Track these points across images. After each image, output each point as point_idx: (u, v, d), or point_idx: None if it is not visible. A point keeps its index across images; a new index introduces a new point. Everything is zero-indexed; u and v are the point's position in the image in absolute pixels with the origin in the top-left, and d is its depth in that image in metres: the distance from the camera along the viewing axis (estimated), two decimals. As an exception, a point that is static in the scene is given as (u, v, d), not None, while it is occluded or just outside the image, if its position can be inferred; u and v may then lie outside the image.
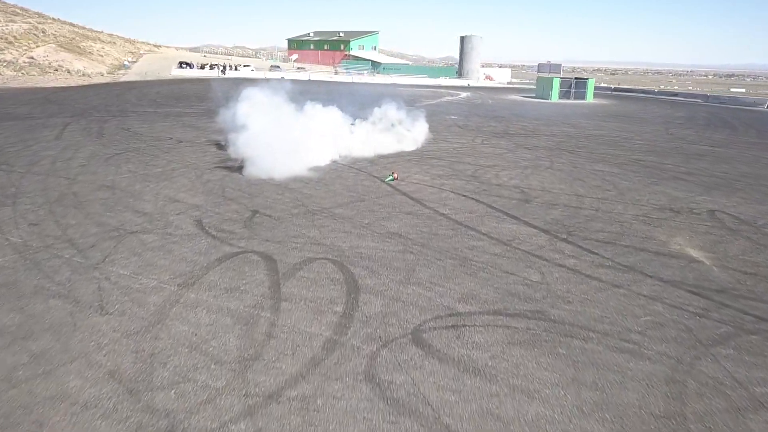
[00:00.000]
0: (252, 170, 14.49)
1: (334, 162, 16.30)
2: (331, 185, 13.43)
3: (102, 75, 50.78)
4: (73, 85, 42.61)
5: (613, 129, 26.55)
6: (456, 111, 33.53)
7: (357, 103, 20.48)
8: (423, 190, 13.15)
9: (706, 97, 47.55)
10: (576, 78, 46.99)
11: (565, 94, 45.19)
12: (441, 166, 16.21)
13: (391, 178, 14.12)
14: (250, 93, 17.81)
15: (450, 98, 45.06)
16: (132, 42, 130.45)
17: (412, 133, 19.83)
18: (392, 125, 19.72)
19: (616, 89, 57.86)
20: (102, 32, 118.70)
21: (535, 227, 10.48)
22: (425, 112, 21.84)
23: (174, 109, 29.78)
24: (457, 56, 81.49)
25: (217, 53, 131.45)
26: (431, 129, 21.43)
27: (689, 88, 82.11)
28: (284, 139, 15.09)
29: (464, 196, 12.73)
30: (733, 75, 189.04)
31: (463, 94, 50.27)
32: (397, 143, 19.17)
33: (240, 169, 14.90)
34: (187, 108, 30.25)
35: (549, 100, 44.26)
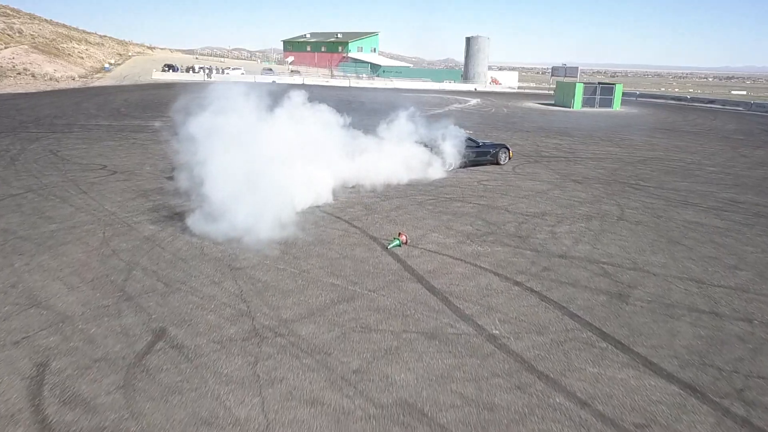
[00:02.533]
0: (196, 224, 9.77)
1: (318, 208, 11.48)
2: (304, 260, 8.59)
3: (73, 79, 46.05)
4: (32, 91, 37.78)
5: (668, 148, 21.71)
6: (469, 123, 28.68)
7: (357, 114, 15.58)
8: (449, 269, 8.30)
9: (748, 105, 42.66)
10: (601, 83, 42.05)
11: (588, 102, 40.29)
12: (467, 214, 11.36)
13: (397, 242, 9.28)
14: (217, 100, 12.68)
15: (459, 106, 40.23)
16: (124, 43, 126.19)
17: (445, 155, 15.53)
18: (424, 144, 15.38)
19: (641, 95, 52.95)
20: (94, 33, 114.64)
21: (669, 377, 5.63)
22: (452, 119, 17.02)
23: (134, 121, 24.97)
24: (457, 58, 76.89)
25: (211, 56, 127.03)
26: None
27: (690, 90, 78.14)
28: (253, 173, 10.45)
29: (517, 283, 7.87)
30: (733, 77, 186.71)
31: (473, 101, 45.47)
32: (414, 169, 14.68)
33: (181, 219, 10.21)
34: (150, 120, 25.40)
35: (571, 109, 39.38)
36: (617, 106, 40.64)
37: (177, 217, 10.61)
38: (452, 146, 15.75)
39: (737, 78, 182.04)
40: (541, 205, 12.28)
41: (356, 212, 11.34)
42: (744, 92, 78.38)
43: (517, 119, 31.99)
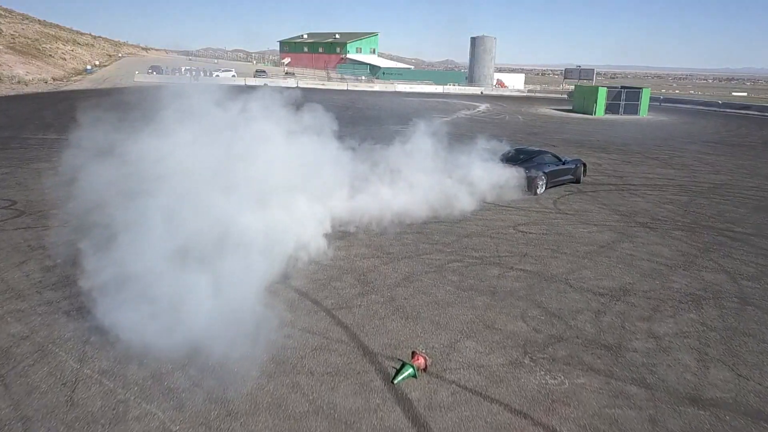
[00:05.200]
0: (92, 320, 6.14)
1: (287, 283, 7.67)
2: (243, 419, 4.78)
3: (45, 82, 42.28)
4: (-9, 95, 34.00)
5: (732, 169, 17.91)
6: (488, 135, 24.85)
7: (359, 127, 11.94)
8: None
9: (789, 112, 38.89)
10: (625, 87, 38.19)
11: (612, 108, 36.42)
12: (513, 293, 7.54)
13: (410, 371, 5.46)
14: (174, 109, 9.12)
15: (468, 112, 36.45)
16: (117, 44, 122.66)
17: (537, 176, 13.32)
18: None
19: (665, 100, 49.01)
20: (87, 34, 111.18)
21: None
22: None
23: (91, 133, 21.11)
24: (457, 60, 73.39)
25: (207, 57, 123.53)
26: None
27: (690, 91, 75.35)
28: (206, 223, 7.09)
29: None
30: (733, 78, 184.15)
31: (482, 106, 41.67)
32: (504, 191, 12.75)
33: (72, 308, 6.58)
34: (111, 132, 21.57)
35: (593, 116, 35.51)
36: (644, 113, 36.76)
37: (69, 301, 6.87)
38: (542, 165, 13.66)
39: (737, 79, 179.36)
40: (614, 272, 8.46)
41: (344, 290, 7.53)
42: (745, 94, 75.87)
43: (538, 129, 28.17)
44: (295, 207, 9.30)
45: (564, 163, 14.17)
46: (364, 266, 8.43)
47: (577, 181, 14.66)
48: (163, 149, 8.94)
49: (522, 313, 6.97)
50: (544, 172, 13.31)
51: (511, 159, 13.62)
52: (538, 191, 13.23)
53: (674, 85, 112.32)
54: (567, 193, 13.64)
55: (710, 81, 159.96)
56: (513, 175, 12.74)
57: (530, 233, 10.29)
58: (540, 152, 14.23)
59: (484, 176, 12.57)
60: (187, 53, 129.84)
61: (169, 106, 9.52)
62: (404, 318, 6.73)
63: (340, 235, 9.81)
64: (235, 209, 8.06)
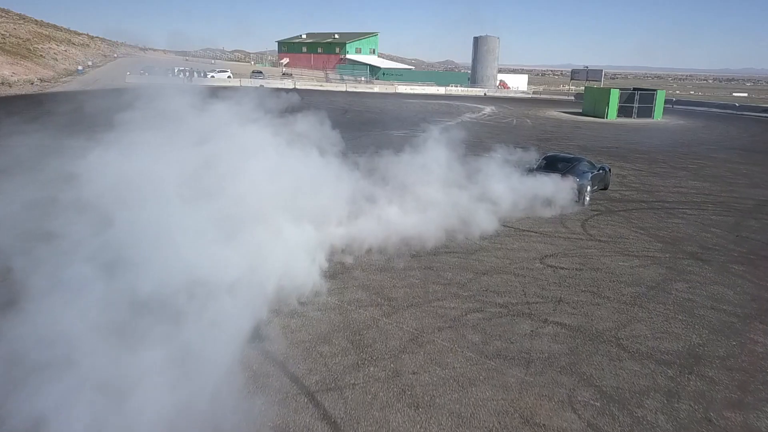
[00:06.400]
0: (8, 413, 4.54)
1: (261, 347, 5.98)
2: None
3: (31, 83, 40.60)
4: (-32, 98, 32.27)
5: (773, 183, 16.17)
6: (492, 141, 23.14)
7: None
8: None
9: (811, 115, 37.13)
10: (638, 89, 36.40)
11: (624, 111, 34.67)
12: (552, 361, 5.82)
13: None
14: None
15: (473, 116, 34.69)
16: (114, 44, 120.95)
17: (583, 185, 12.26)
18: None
19: (678, 102, 47.26)
20: (84, 34, 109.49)
21: None
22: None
23: (68, 141, 19.45)
24: (457, 60, 71.77)
25: (204, 57, 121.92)
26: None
27: (691, 92, 74.34)
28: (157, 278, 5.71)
29: None
30: (733, 79, 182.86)
31: (487, 109, 39.94)
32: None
33: None
34: (81, 139, 19.90)
35: (605, 119, 33.76)
36: (659, 116, 35.02)
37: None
38: (585, 173, 12.54)
39: (737, 80, 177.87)
40: (675, 326, 6.73)
41: (334, 358, 5.81)
42: (745, 94, 74.85)
43: (549, 134, 26.40)
44: (280, 237, 7.68)
45: (599, 170, 13.17)
46: (360, 320, 6.71)
47: (605, 188, 13.72)
48: (122, 163, 7.54)
49: (569, 395, 5.25)
50: (588, 180, 12.25)
51: (550, 167, 12.38)
52: (586, 201, 12.17)
53: (674, 85, 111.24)
54: (594, 213, 11.89)
55: (710, 81, 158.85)
56: (563, 185, 11.52)
57: (562, 268, 8.56)
58: (578, 159, 13.13)
59: (530, 189, 11.36)
60: (185, 54, 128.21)
61: (140, 112, 8.31)
62: (413, 406, 5.02)
63: (332, 272, 8.11)
64: (201, 242, 6.47)
